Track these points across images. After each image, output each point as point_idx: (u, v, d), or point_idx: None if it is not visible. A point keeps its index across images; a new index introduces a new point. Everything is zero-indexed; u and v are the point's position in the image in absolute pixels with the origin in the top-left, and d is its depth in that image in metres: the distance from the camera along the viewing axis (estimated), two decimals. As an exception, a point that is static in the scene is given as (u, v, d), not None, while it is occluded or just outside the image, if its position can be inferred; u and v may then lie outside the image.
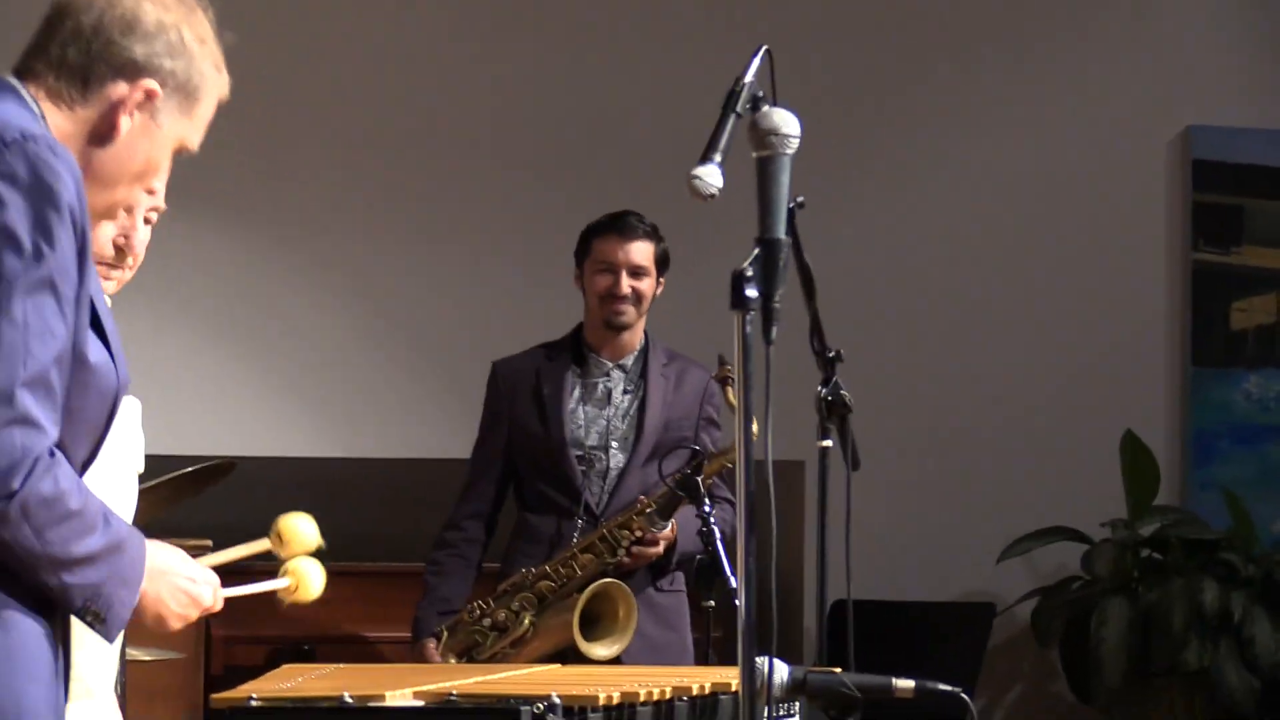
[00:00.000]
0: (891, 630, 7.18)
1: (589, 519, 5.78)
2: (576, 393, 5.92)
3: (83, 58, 2.77)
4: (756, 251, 3.08)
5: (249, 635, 6.68)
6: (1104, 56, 8.30)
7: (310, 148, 7.60)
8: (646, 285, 5.89)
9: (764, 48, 3.73)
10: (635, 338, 5.96)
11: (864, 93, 8.10)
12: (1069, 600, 7.83)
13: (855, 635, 4.48)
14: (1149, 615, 7.66)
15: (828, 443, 4.58)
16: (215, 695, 3.29)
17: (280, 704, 3.25)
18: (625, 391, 5.95)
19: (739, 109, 3.56)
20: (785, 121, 3.17)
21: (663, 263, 5.94)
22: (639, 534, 5.66)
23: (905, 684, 3.41)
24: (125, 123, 2.79)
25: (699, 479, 5.47)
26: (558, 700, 3.15)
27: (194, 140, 2.88)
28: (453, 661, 5.59)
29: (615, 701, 3.27)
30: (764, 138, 3.16)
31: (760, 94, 3.59)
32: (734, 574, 5.41)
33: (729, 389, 5.49)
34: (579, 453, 5.86)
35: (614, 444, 5.90)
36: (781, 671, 3.26)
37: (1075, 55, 8.29)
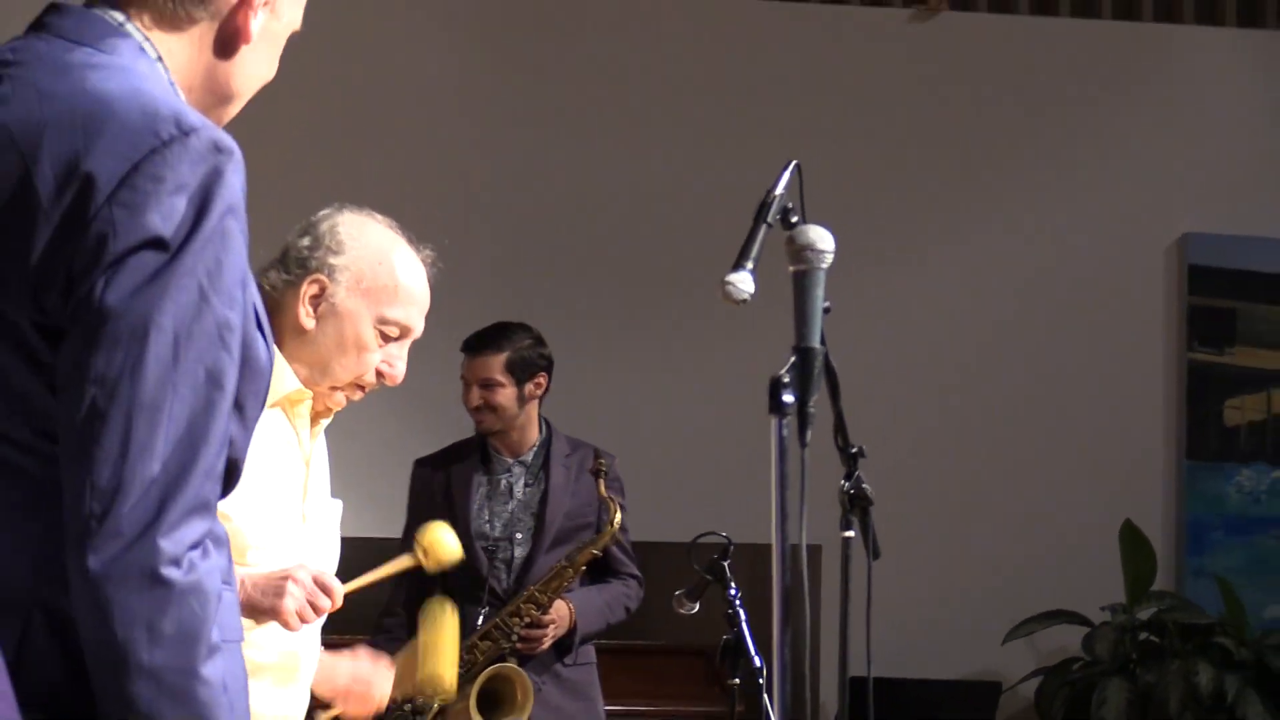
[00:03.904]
0: (904, 706, 7.16)
1: (495, 605, 5.84)
2: (482, 490, 5.99)
3: None
4: (793, 359, 3.07)
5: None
6: (1107, 167, 8.32)
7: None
8: (501, 395, 5.93)
9: (794, 162, 3.71)
10: (529, 435, 6.02)
11: (881, 198, 8.11)
12: (1071, 680, 7.81)
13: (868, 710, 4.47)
14: (1147, 696, 7.64)
15: (850, 533, 4.55)
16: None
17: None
18: (526, 485, 6.00)
19: (769, 220, 3.55)
20: (821, 238, 3.15)
21: (518, 368, 5.95)
22: (528, 619, 5.73)
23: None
24: (255, 23, 2.35)
25: (725, 564, 5.49)
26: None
27: (299, 20, 2.43)
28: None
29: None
30: (800, 252, 3.15)
31: (790, 205, 3.58)
32: (756, 653, 5.42)
33: (601, 480, 5.71)
34: (484, 544, 5.91)
35: (518, 535, 5.94)
36: (811, 756, 3.23)
37: (1081, 166, 8.31)
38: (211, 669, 2.12)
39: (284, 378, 3.37)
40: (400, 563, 3.62)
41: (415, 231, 3.60)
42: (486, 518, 5.97)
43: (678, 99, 8.11)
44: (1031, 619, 7.84)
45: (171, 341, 2.13)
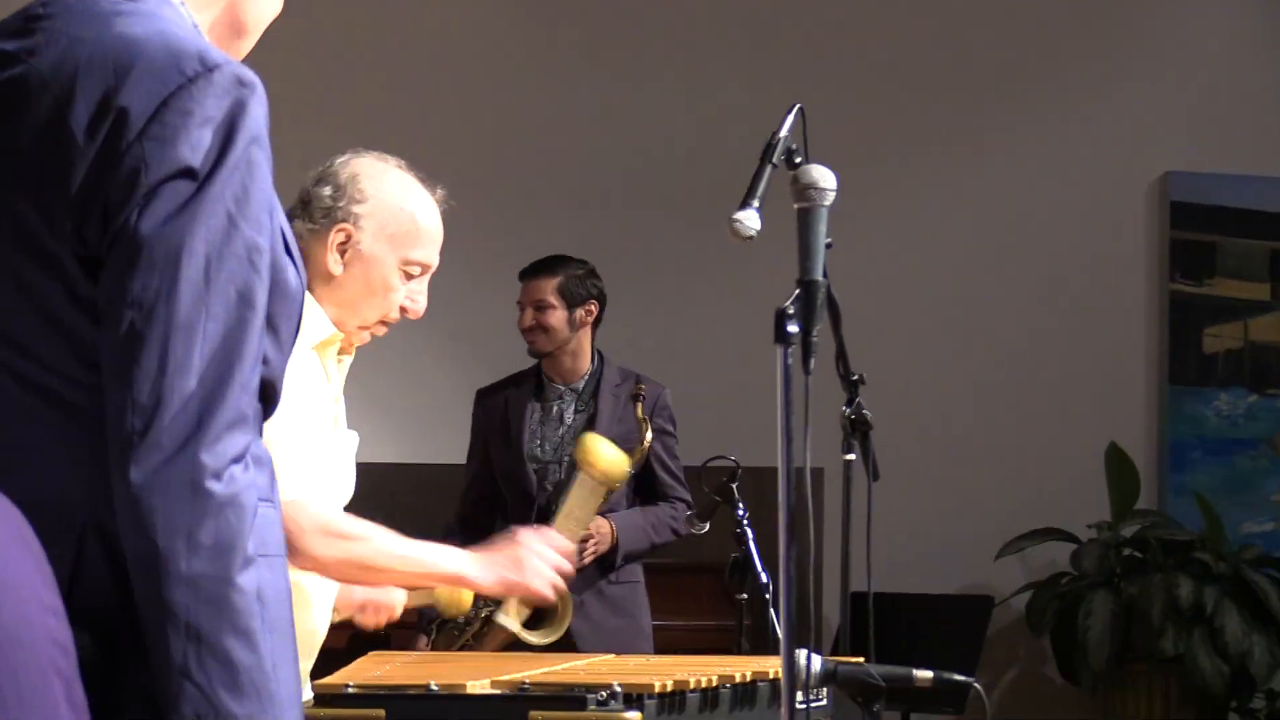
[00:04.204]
0: (902, 619, 7.17)
1: (540, 522, 5.87)
2: (536, 415, 6.01)
3: None
4: (797, 292, 3.09)
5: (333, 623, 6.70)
6: (1094, 110, 8.31)
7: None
8: (552, 317, 5.97)
9: (797, 105, 3.72)
10: (581, 363, 6.05)
11: (880, 140, 8.10)
12: (1059, 594, 7.83)
13: (869, 624, 4.50)
14: (1130, 608, 7.66)
15: (851, 456, 4.59)
16: (315, 682, 3.28)
17: (373, 690, 3.25)
18: (577, 411, 6.03)
19: (775, 160, 3.57)
20: (823, 177, 3.17)
21: (569, 292, 5.99)
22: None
23: (924, 674, 3.40)
24: None
25: (733, 486, 5.51)
26: (619, 688, 3.15)
27: None
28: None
29: (669, 689, 3.27)
30: (804, 191, 3.16)
31: (794, 147, 3.60)
32: (763, 570, 5.45)
33: (639, 404, 5.77)
34: (535, 466, 5.96)
35: (565, 457, 5.94)
36: (815, 663, 3.26)
37: (1068, 109, 8.30)
38: (246, 578, 2.11)
39: (320, 323, 3.39)
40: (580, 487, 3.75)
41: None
42: (538, 441, 5.99)
43: (692, 51, 8.11)
44: (1022, 536, 7.87)
45: (203, 264, 2.13)
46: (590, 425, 5.96)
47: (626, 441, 5.96)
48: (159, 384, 2.11)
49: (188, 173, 2.15)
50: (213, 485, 2.10)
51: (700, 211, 7.54)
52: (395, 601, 3.69)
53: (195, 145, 2.15)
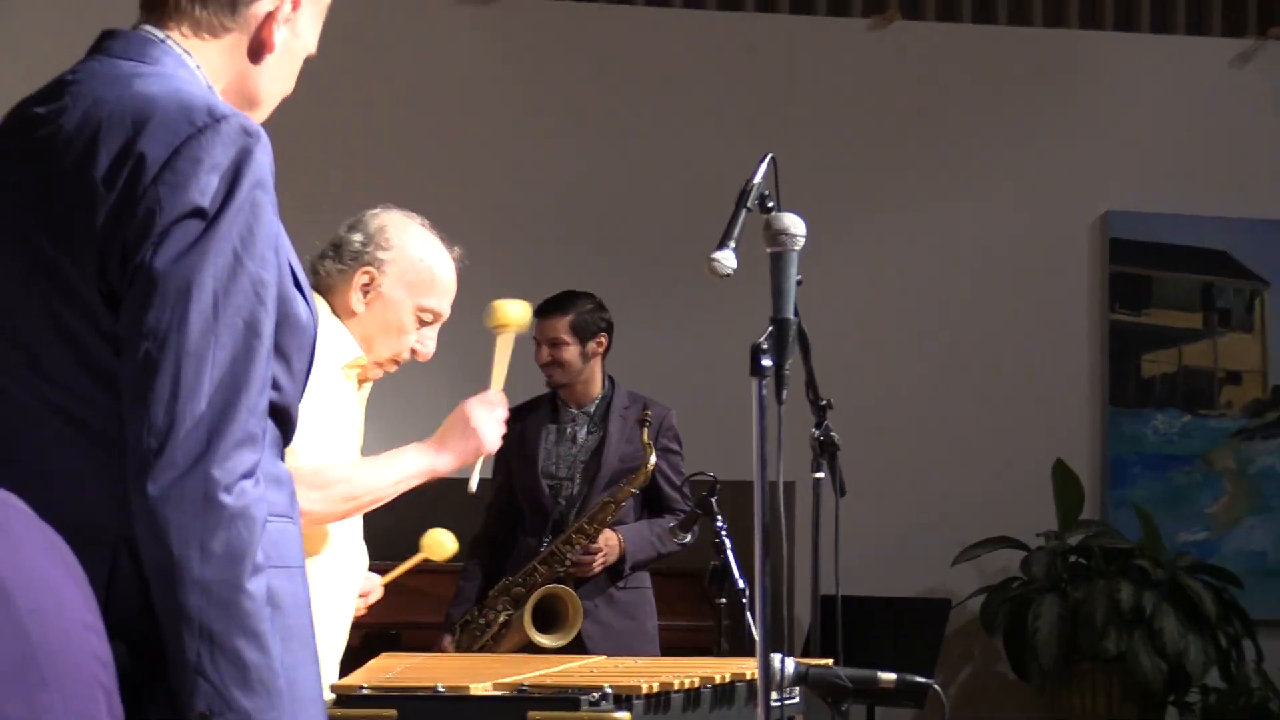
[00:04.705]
0: (866, 620, 7.17)
1: (555, 535, 5.87)
2: (551, 436, 6.01)
3: None
4: (770, 329, 3.10)
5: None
6: (1041, 154, 8.33)
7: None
8: (566, 353, 5.97)
9: (770, 155, 3.74)
10: (593, 388, 6.05)
11: (842, 183, 8.11)
12: (1010, 597, 7.83)
13: (837, 624, 4.51)
14: (1076, 610, 7.66)
15: (820, 474, 4.60)
16: (332, 684, 3.30)
17: (385, 691, 3.26)
18: (589, 433, 6.02)
19: (749, 205, 3.59)
20: (794, 223, 3.19)
21: (581, 328, 6.00)
22: (579, 548, 5.77)
23: (888, 676, 3.41)
24: (278, 35, 2.39)
25: (713, 500, 5.52)
26: (609, 690, 3.17)
27: (314, 45, 2.46)
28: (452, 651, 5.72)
29: (655, 690, 3.29)
30: (775, 236, 3.18)
31: (766, 192, 3.62)
32: (740, 576, 5.46)
33: (645, 429, 5.75)
34: (550, 482, 5.96)
35: (578, 475, 5.97)
36: (789, 666, 3.28)
37: (1018, 154, 8.32)
38: (255, 585, 2.13)
39: (349, 346, 3.49)
40: (502, 344, 3.78)
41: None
42: (553, 460, 5.99)
43: (673, 102, 8.12)
44: (976, 544, 7.87)
45: (212, 298, 2.16)
46: (600, 445, 5.98)
47: (634, 459, 5.97)
48: (172, 407, 2.13)
49: (197, 213, 2.18)
50: (224, 498, 2.13)
51: (680, 250, 7.57)
52: (375, 585, 3.76)
53: (204, 189, 2.18)
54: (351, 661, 3.65)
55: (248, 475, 2.16)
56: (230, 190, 2.19)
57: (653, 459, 5.80)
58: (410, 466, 3.44)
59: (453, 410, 3.55)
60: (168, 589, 2.12)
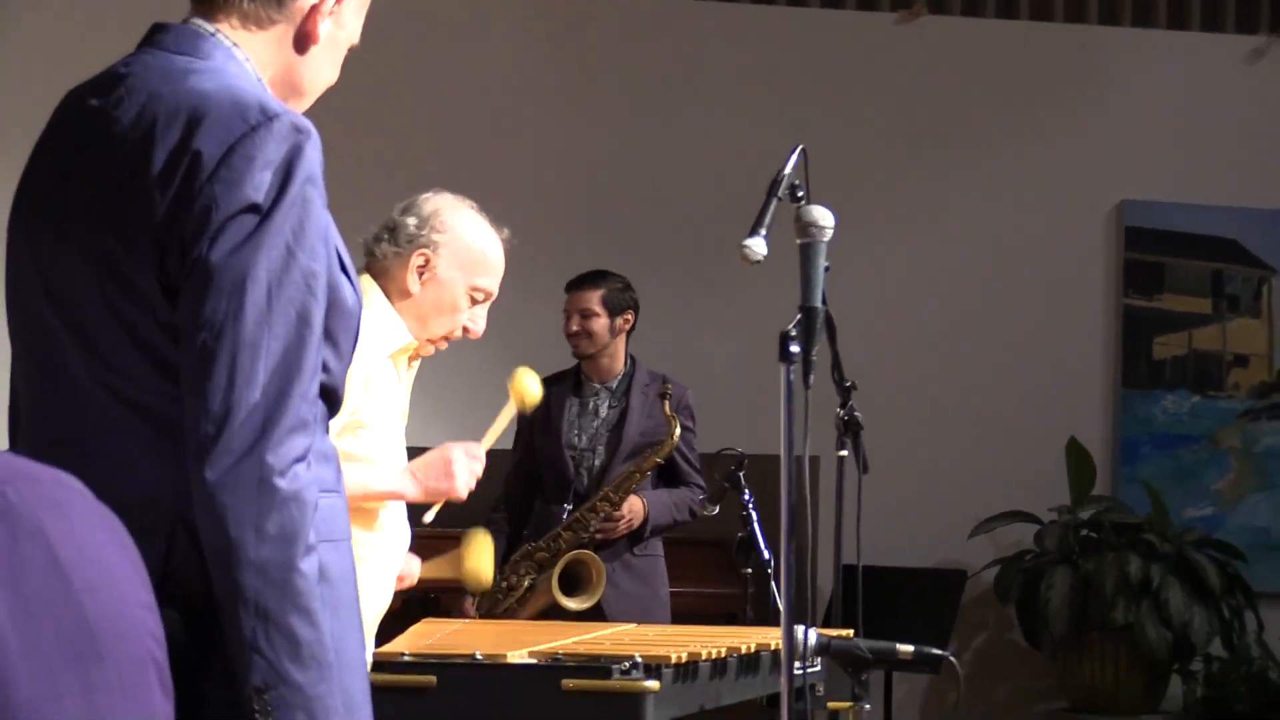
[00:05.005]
0: (887, 590, 7.17)
1: (578, 503, 5.87)
2: (575, 409, 6.01)
3: None
4: (799, 317, 3.08)
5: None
6: (1060, 145, 8.29)
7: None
8: (595, 324, 5.98)
9: (800, 147, 3.71)
10: (616, 364, 6.05)
11: (871, 173, 8.09)
12: (1024, 569, 7.81)
13: (858, 594, 4.51)
14: (1086, 582, 7.64)
15: (844, 452, 4.58)
16: (375, 651, 3.29)
17: (425, 659, 3.25)
18: (611, 406, 6.03)
19: (779, 194, 3.56)
20: (823, 216, 3.17)
21: (611, 303, 6.00)
22: (603, 515, 5.77)
23: (906, 648, 3.40)
24: (323, 27, 2.38)
25: (740, 474, 5.52)
26: (640, 659, 3.15)
27: (358, 35, 2.45)
28: (475, 615, 5.69)
29: (684, 660, 3.27)
30: (805, 228, 3.16)
31: (796, 182, 3.59)
32: (766, 547, 5.45)
33: (665, 402, 5.77)
34: (572, 453, 5.96)
35: (599, 447, 5.97)
36: (811, 638, 3.26)
37: (1036, 145, 8.28)
38: (308, 564, 2.13)
39: (399, 333, 3.47)
40: (505, 412, 3.75)
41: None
42: (576, 432, 5.99)
43: (705, 91, 8.10)
44: (992, 518, 7.85)
45: (266, 290, 2.15)
46: (622, 420, 5.98)
47: (653, 433, 5.96)
48: (229, 395, 2.13)
49: (252, 209, 2.17)
50: (278, 482, 2.12)
51: (714, 235, 7.55)
52: (412, 572, 3.74)
53: (258, 185, 2.17)
54: (393, 624, 3.64)
55: (300, 459, 2.16)
56: (283, 186, 2.18)
57: (677, 430, 5.80)
58: (379, 484, 3.40)
59: (439, 447, 3.49)
60: (225, 570, 2.12)
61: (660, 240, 7.94)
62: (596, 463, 5.97)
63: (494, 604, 5.84)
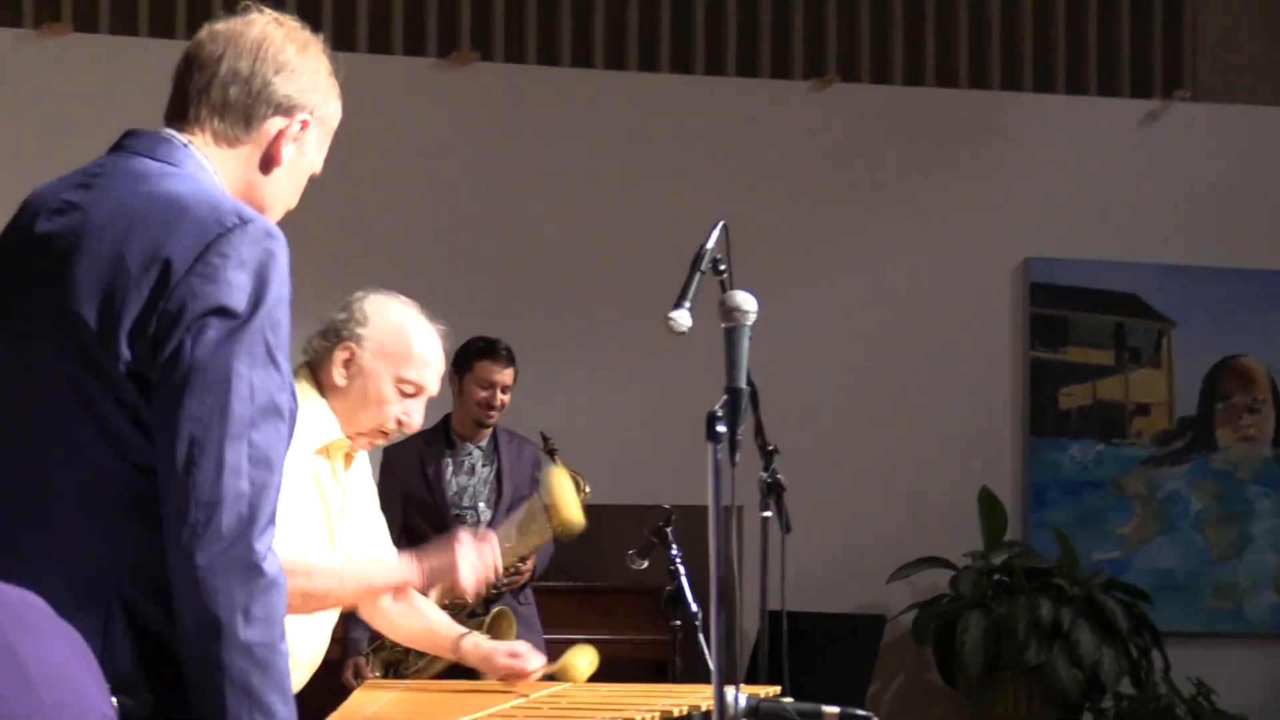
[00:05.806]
0: (811, 634, 7.19)
1: None
2: (450, 469, 5.99)
3: (244, 98, 2.39)
4: (725, 397, 3.10)
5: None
6: (967, 206, 8.37)
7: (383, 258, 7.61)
8: (508, 398, 6.01)
9: (722, 223, 3.76)
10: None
11: (786, 233, 8.13)
12: (940, 612, 7.85)
13: (783, 639, 4.55)
14: (1000, 624, 7.68)
15: (768, 514, 4.61)
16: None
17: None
18: (484, 464, 6.04)
19: (703, 268, 3.61)
20: (745, 301, 3.18)
21: (514, 376, 6.06)
22: (510, 567, 5.76)
23: (831, 709, 3.41)
24: (286, 151, 2.43)
25: (668, 529, 5.53)
26: (578, 728, 3.15)
27: (319, 165, 2.51)
28: (377, 675, 5.52)
29: (620, 726, 3.28)
30: (730, 313, 3.17)
31: (719, 257, 3.64)
32: (694, 600, 5.46)
33: (555, 456, 5.73)
34: (457, 512, 5.94)
35: (481, 503, 5.98)
36: (741, 700, 3.27)
37: (946, 206, 8.36)
38: (284, 646, 2.21)
39: (331, 427, 3.42)
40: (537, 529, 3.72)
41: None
42: (455, 489, 5.98)
43: (622, 161, 8.13)
44: (909, 564, 7.89)
45: (248, 386, 2.21)
46: (498, 475, 5.98)
47: (522, 486, 5.96)
48: (217, 485, 2.18)
49: (227, 309, 2.22)
50: (265, 567, 2.19)
51: (633, 294, 7.58)
52: (529, 669, 3.72)
53: (232, 284, 2.22)
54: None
55: (271, 547, 2.23)
56: (261, 288, 2.24)
57: (587, 488, 5.83)
58: (382, 579, 3.39)
59: (452, 535, 3.45)
60: (211, 648, 2.17)
61: (580, 298, 7.95)
62: (482, 518, 5.96)
63: (395, 662, 5.73)
